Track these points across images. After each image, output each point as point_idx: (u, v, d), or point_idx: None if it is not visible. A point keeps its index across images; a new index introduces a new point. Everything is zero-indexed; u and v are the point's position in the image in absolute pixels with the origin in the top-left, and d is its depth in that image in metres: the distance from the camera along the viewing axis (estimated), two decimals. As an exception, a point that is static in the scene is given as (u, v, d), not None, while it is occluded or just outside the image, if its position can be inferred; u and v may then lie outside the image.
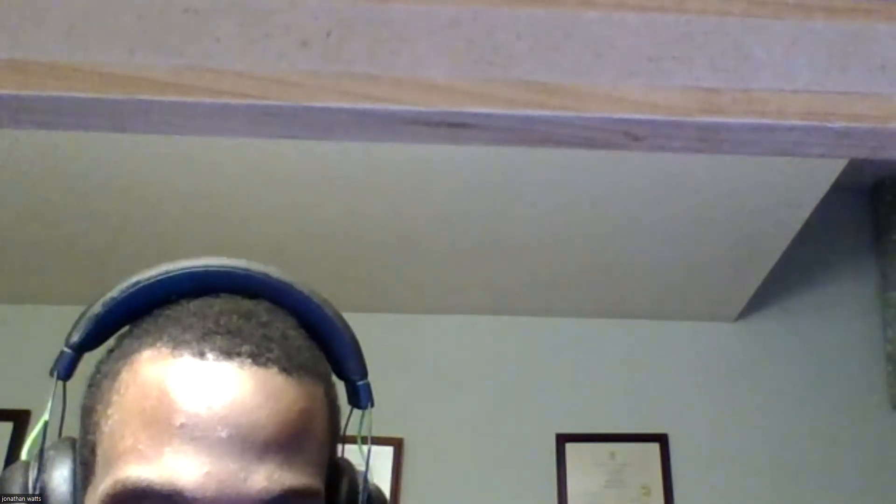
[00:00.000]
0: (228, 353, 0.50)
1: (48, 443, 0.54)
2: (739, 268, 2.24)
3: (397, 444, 2.30)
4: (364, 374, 0.60)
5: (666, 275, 2.27)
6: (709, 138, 0.45)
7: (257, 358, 0.51)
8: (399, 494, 2.28)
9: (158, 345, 0.51)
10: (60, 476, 0.52)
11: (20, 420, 2.26)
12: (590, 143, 0.45)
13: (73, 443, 0.55)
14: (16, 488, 0.51)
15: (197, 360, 0.50)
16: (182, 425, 0.48)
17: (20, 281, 2.33)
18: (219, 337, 0.51)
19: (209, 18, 0.43)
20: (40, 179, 1.86)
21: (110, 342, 0.57)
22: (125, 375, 0.51)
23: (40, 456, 0.53)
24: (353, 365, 0.59)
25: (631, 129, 0.44)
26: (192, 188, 1.89)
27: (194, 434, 0.47)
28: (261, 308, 0.55)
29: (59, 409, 0.54)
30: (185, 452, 0.47)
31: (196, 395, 0.49)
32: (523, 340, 2.50)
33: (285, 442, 0.49)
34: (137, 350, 0.52)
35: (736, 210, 1.97)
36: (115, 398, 0.51)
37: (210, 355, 0.50)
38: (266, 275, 0.57)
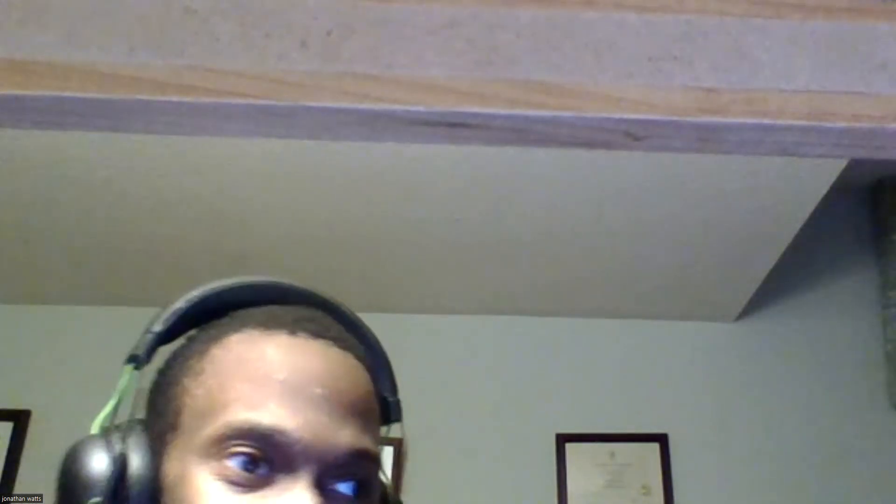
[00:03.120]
0: (317, 335, 0.58)
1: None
2: (739, 268, 2.23)
3: (397, 444, 2.29)
4: (396, 392, 0.67)
5: (666, 275, 2.27)
6: (709, 138, 0.45)
7: (339, 342, 0.59)
8: (399, 494, 2.27)
9: (246, 329, 0.58)
10: (141, 444, 0.57)
11: (20, 420, 2.25)
12: (590, 143, 0.45)
13: (140, 421, 0.59)
14: (96, 458, 0.55)
15: (290, 337, 0.57)
16: (284, 380, 0.55)
17: (20, 281, 2.33)
18: (307, 322, 0.59)
19: (209, 18, 0.43)
20: (41, 179, 1.86)
21: (179, 340, 0.62)
22: (216, 351, 0.57)
23: (128, 425, 0.57)
24: (388, 383, 0.66)
25: (631, 129, 0.44)
26: (193, 189, 1.89)
27: (294, 389, 0.55)
28: (328, 317, 0.63)
29: (133, 392, 0.59)
30: (286, 402, 0.54)
31: (293, 359, 0.56)
32: (523, 340, 2.50)
33: (362, 411, 0.57)
34: (224, 334, 0.58)
35: (736, 210, 1.97)
36: (208, 367, 0.57)
37: (301, 334, 0.58)
38: (321, 296, 0.65)
